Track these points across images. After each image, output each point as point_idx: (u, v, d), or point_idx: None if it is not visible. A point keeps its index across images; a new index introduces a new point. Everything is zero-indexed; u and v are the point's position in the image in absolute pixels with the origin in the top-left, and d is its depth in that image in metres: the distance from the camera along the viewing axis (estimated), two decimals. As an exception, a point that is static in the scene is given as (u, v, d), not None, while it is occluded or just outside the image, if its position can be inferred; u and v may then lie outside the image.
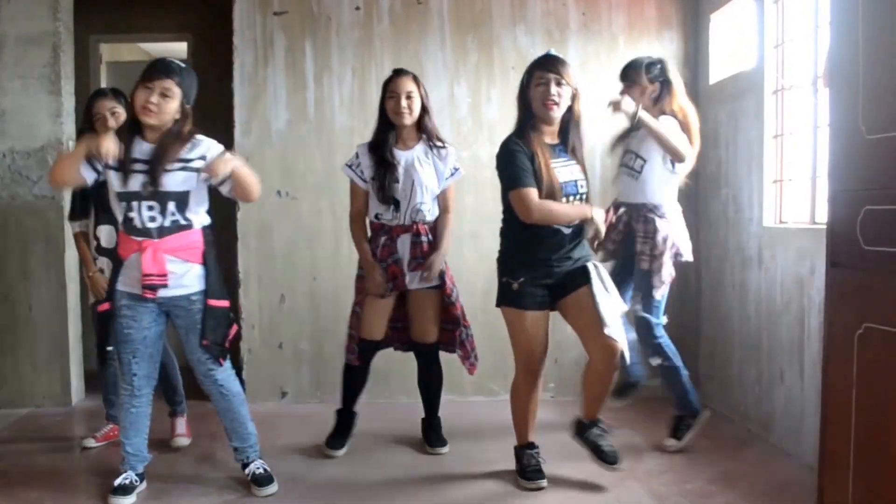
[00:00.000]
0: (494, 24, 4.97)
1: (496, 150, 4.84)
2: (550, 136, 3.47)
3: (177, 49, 6.61)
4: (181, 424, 4.16)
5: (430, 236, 3.88)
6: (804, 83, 3.92)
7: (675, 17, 5.02)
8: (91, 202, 3.96)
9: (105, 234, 3.95)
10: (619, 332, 3.37)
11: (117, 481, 3.36)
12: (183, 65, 3.30)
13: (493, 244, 4.89)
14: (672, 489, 3.40)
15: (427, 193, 3.85)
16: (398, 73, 3.88)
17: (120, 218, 3.29)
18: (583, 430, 3.60)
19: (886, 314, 2.28)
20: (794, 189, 4.10)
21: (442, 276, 3.91)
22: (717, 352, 4.72)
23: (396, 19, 4.95)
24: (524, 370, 3.52)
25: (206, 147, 3.31)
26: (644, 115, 3.73)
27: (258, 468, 3.47)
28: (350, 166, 3.90)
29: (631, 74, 3.92)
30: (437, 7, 4.95)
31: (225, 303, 3.40)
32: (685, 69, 5.00)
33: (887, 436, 2.29)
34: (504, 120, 4.92)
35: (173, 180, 3.22)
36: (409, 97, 3.80)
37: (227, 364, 3.45)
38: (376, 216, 3.88)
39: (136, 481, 3.41)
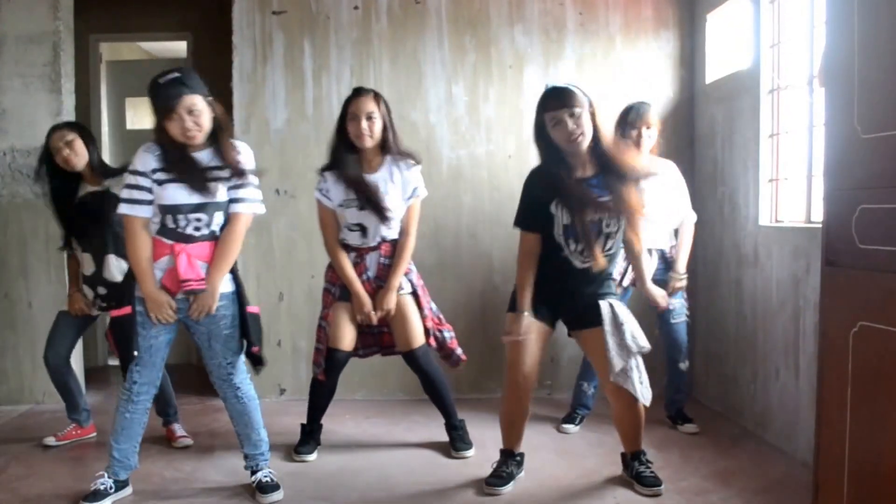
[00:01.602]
0: (492, 23, 4.99)
1: (493, 148, 4.93)
2: (582, 167, 3.32)
3: (176, 48, 6.63)
4: (179, 428, 4.18)
5: (391, 258, 3.84)
6: (800, 83, 3.94)
7: (672, 16, 5.04)
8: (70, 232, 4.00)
9: (86, 261, 3.97)
10: (631, 375, 3.31)
11: (93, 485, 3.28)
12: (180, 73, 3.18)
13: (490, 244, 4.95)
14: (667, 486, 3.41)
15: (392, 218, 3.79)
16: (357, 92, 3.79)
17: (155, 226, 3.22)
18: (626, 464, 3.55)
19: (881, 312, 2.30)
20: (789, 188, 4.12)
21: (412, 286, 3.88)
22: (713, 350, 4.74)
23: (394, 18, 4.97)
24: (509, 381, 3.47)
25: (243, 160, 3.27)
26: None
27: (265, 476, 3.41)
28: (322, 191, 3.82)
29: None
30: (435, 6, 4.97)
31: (257, 309, 3.44)
32: (682, 69, 5.04)
33: (882, 434, 2.30)
34: (502, 119, 4.97)
35: (222, 191, 3.22)
36: (369, 118, 3.70)
37: (244, 368, 3.42)
38: (345, 241, 3.85)
39: (112, 488, 3.29)
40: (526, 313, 3.35)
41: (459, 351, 4.00)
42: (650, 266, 4.11)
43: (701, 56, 4.93)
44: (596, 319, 3.34)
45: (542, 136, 3.31)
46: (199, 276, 3.21)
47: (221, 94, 5.04)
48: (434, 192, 4.95)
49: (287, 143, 4.94)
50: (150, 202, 3.18)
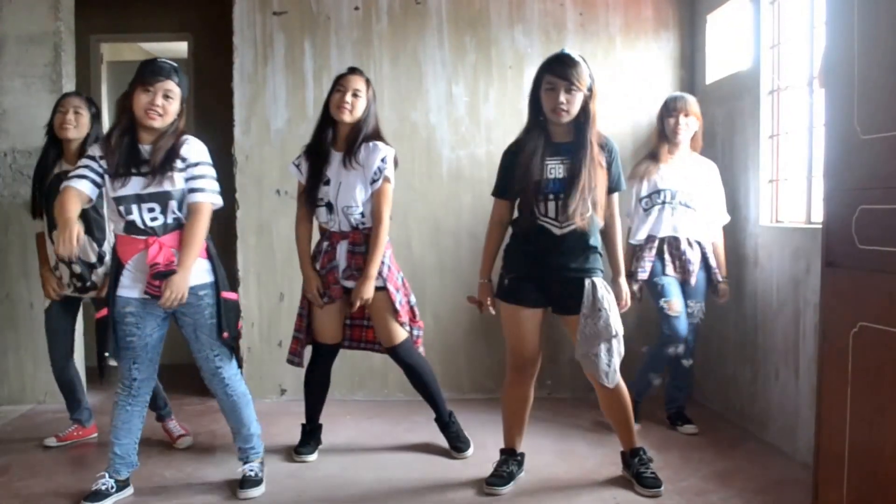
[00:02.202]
0: (492, 24, 4.99)
1: (494, 149, 4.93)
2: (560, 135, 3.35)
3: (177, 49, 6.63)
4: (176, 427, 4.15)
5: (366, 246, 3.73)
6: (800, 83, 3.95)
7: (672, 17, 5.05)
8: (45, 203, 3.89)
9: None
10: (596, 361, 3.34)
11: (94, 485, 3.31)
12: (175, 64, 3.28)
13: (491, 243, 4.95)
14: (667, 487, 3.42)
15: (354, 197, 3.70)
16: (351, 70, 3.81)
17: (119, 223, 3.24)
18: (626, 462, 3.56)
19: (881, 313, 2.31)
20: (789, 189, 4.12)
21: (383, 280, 3.74)
22: (713, 350, 4.74)
23: (395, 19, 4.97)
24: (511, 366, 3.51)
25: (195, 152, 3.26)
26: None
27: (251, 470, 3.45)
28: (296, 165, 3.87)
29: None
30: (436, 7, 4.97)
31: (235, 295, 3.44)
32: (682, 69, 5.04)
33: (882, 434, 2.31)
34: (502, 119, 4.97)
35: (172, 180, 3.20)
36: (355, 95, 3.68)
37: (234, 363, 3.43)
38: (318, 218, 3.84)
39: (113, 488, 3.32)
40: (487, 282, 3.53)
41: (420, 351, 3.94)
42: (694, 257, 4.18)
43: (701, 57, 4.94)
44: (577, 304, 3.33)
45: (535, 94, 3.36)
46: (169, 259, 3.20)
47: (222, 95, 5.10)
48: (435, 193, 4.98)
49: (288, 143, 4.94)
50: (95, 182, 3.19)
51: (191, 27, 6.21)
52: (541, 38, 5.00)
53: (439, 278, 4.97)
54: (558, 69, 3.26)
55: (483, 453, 3.88)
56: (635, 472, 3.47)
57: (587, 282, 3.33)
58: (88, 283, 3.87)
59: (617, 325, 3.33)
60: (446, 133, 4.99)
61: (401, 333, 3.83)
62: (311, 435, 3.99)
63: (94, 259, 3.85)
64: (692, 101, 4.24)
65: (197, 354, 3.38)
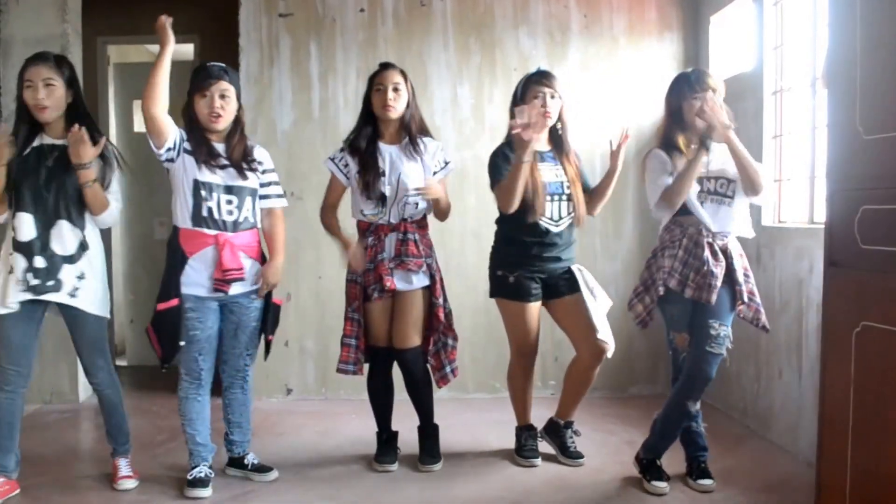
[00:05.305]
0: (497, 25, 5.02)
1: (499, 150, 4.96)
2: (540, 142, 3.65)
3: (184, 50, 6.65)
4: (125, 466, 3.57)
5: (417, 235, 3.67)
6: (803, 84, 3.97)
7: (676, 18, 5.07)
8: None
9: (25, 224, 3.24)
10: (608, 335, 3.63)
11: (192, 474, 3.44)
12: (223, 64, 3.38)
13: (495, 243, 4.96)
14: (671, 485, 3.44)
15: (412, 187, 3.64)
16: (385, 65, 3.71)
17: (187, 211, 3.30)
18: (556, 429, 3.89)
19: (884, 312, 2.33)
20: (792, 189, 4.14)
21: (433, 274, 3.72)
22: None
23: (400, 21, 5.00)
24: (519, 355, 3.81)
25: (267, 158, 3.54)
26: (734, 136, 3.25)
27: (255, 458, 3.67)
28: (333, 160, 3.74)
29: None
30: (441, 9, 5.00)
31: (281, 301, 3.63)
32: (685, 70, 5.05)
33: (884, 433, 2.33)
34: (506, 121, 4.95)
35: (251, 177, 3.42)
36: (395, 90, 3.62)
37: (253, 363, 3.64)
38: (362, 213, 3.68)
39: (211, 474, 3.48)
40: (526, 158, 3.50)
41: (450, 369, 3.76)
42: (718, 269, 3.24)
43: (704, 58, 4.95)
44: (572, 286, 3.69)
45: (518, 105, 3.62)
46: (239, 265, 3.35)
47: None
48: (439, 194, 5.00)
49: (294, 144, 4.97)
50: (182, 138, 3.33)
51: (197, 29, 6.23)
52: (545, 39, 5.03)
53: (444, 279, 4.98)
54: (543, 80, 3.64)
55: (486, 453, 3.93)
56: (562, 443, 3.84)
57: (575, 268, 3.72)
58: (51, 283, 3.25)
59: (608, 301, 3.74)
60: (451, 134, 5.01)
61: (416, 338, 3.71)
62: (387, 443, 3.85)
63: (73, 250, 3.31)
64: (715, 75, 3.47)
65: (230, 351, 3.52)
